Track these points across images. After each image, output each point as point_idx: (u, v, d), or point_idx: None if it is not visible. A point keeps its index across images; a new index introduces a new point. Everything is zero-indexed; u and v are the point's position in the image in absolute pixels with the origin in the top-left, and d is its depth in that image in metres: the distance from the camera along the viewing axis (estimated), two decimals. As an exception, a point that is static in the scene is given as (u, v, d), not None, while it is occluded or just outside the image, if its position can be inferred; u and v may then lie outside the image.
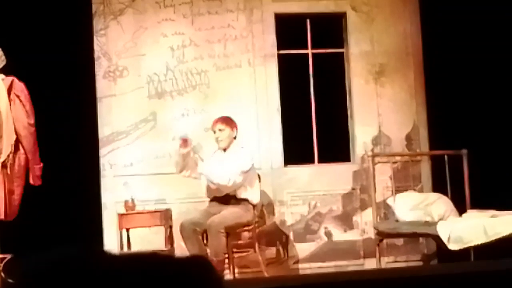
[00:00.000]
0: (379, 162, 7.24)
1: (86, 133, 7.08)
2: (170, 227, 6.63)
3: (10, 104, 6.03)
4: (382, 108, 7.66)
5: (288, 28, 7.66)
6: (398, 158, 7.55)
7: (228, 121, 6.60)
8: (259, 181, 6.77)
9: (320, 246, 7.49)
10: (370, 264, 7.23)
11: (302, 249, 7.45)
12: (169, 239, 6.58)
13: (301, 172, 7.56)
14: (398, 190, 7.09)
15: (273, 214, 7.39)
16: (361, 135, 7.63)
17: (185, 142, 6.42)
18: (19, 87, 6.07)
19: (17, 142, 6.06)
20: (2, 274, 5.85)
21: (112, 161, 7.27)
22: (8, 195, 5.98)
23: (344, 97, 7.77)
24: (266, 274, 6.65)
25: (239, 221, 6.44)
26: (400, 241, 7.46)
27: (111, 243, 6.77)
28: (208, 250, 6.26)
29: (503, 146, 7.20)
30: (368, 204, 7.35)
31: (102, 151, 7.26)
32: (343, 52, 7.80)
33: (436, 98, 7.56)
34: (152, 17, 7.43)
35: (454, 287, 3.29)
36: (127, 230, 6.63)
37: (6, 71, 6.09)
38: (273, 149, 7.47)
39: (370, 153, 7.21)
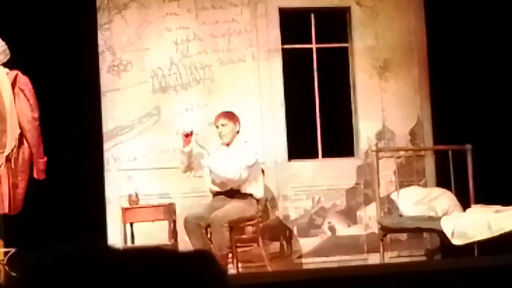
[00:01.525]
0: (383, 157, 7.24)
1: (90, 127, 7.08)
2: (174, 221, 6.64)
3: (14, 98, 6.04)
4: (386, 103, 7.65)
5: (292, 23, 7.66)
6: (402, 153, 7.55)
7: (230, 116, 6.60)
8: (263, 175, 6.77)
9: (324, 240, 7.50)
10: (374, 259, 7.23)
11: (306, 243, 7.46)
12: (173, 233, 6.59)
13: (305, 166, 7.56)
14: (402, 185, 7.08)
15: (277, 208, 7.40)
16: (365, 130, 7.63)
17: (187, 136, 6.42)
18: (23, 81, 6.07)
19: (21, 136, 6.06)
20: (6, 268, 5.87)
21: (116, 155, 7.28)
22: (12, 189, 5.98)
23: (348, 92, 7.77)
24: (269, 269, 6.65)
25: (243, 215, 6.44)
26: (403, 236, 7.47)
27: (114, 237, 6.78)
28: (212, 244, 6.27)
29: (508, 141, 7.19)
30: (372, 199, 7.35)
31: (106, 146, 7.27)
32: (347, 47, 7.80)
33: (440, 93, 7.56)
34: (156, 11, 7.43)
35: (457, 282, 3.28)
36: (131, 224, 6.64)
37: (10, 65, 6.09)
38: (277, 144, 7.47)
39: (374, 148, 7.21)
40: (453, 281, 3.31)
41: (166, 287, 0.95)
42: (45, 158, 6.14)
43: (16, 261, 5.72)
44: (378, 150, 7.16)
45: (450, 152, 7.04)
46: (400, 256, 7.48)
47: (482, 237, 6.16)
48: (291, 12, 7.65)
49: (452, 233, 6.24)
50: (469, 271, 3.44)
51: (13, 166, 6.00)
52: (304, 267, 7.35)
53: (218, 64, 7.48)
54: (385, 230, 6.83)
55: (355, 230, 7.54)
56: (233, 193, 6.50)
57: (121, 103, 7.31)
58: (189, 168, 6.57)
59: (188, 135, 6.44)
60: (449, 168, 7.00)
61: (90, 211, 6.85)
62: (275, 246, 7.38)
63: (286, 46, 7.64)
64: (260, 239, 6.65)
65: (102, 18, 7.37)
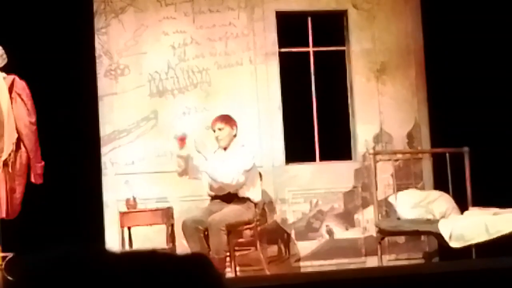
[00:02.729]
0: (380, 160, 7.24)
1: (87, 132, 7.08)
2: (172, 225, 6.64)
3: (11, 103, 6.04)
4: (384, 106, 7.66)
5: (290, 26, 7.66)
6: (399, 156, 7.55)
7: (227, 120, 6.59)
8: (261, 179, 6.77)
9: (322, 244, 7.50)
10: (372, 262, 7.23)
11: (304, 247, 7.45)
12: (171, 237, 6.58)
13: (302, 170, 7.55)
14: (399, 188, 7.09)
15: (275, 212, 7.40)
16: (363, 133, 7.63)
17: (182, 140, 6.41)
18: (21, 85, 6.07)
19: (19, 140, 6.06)
20: (4, 273, 5.86)
21: (114, 160, 7.27)
22: (10, 194, 5.98)
23: (345, 95, 7.77)
24: (267, 272, 6.65)
25: (240, 219, 6.43)
26: (401, 239, 7.46)
27: (112, 241, 6.77)
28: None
29: (505, 144, 7.20)
30: (370, 202, 7.35)
31: (104, 150, 7.27)
32: (344, 50, 7.80)
33: (438, 96, 7.56)
34: (153, 15, 7.43)
35: (455, 285, 3.29)
36: (129, 228, 6.63)
37: (7, 69, 6.09)
38: (274, 147, 7.47)
39: (371, 151, 7.21)
40: (451, 283, 3.31)
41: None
42: (43, 163, 6.14)
43: (14, 266, 5.71)
44: (375, 153, 7.16)
45: (447, 154, 7.05)
46: (398, 259, 7.47)
47: (480, 240, 6.16)
48: (288, 15, 7.66)
49: (450, 236, 6.24)
50: (467, 273, 3.44)
51: (10, 170, 6.00)
52: (302, 270, 7.35)
53: (215, 67, 7.48)
54: (383, 233, 6.83)
55: (353, 233, 7.54)
56: (231, 197, 6.50)
57: (119, 107, 7.31)
58: (185, 171, 6.56)
59: (182, 139, 6.42)
60: (447, 171, 7.01)
61: (88, 215, 6.84)
62: (273, 249, 7.37)
63: (283, 50, 7.64)
64: (258, 243, 6.65)
65: (99, 22, 7.37)
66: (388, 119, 7.64)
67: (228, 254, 6.42)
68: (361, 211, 7.55)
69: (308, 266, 7.37)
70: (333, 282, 3.54)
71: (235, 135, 6.60)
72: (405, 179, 7.40)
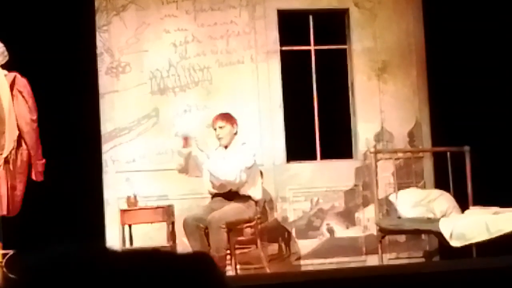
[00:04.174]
0: (381, 159, 7.24)
1: (88, 129, 7.08)
2: (172, 223, 6.64)
3: (12, 100, 6.03)
4: (385, 104, 7.65)
5: (291, 25, 7.66)
6: (400, 154, 7.55)
7: (228, 118, 6.59)
8: (262, 177, 6.77)
9: (322, 242, 7.50)
10: (372, 260, 7.23)
11: (304, 245, 7.45)
12: (171, 235, 6.58)
13: (303, 168, 7.56)
14: (400, 186, 7.09)
15: (275, 210, 7.40)
16: (364, 132, 7.63)
17: (186, 140, 6.43)
18: (22, 82, 6.07)
19: (20, 138, 6.06)
20: (4, 270, 5.86)
21: (115, 157, 7.27)
22: (11, 191, 5.98)
23: (346, 94, 7.77)
24: (268, 270, 6.65)
25: (240, 217, 6.44)
26: (402, 238, 7.46)
27: (113, 239, 6.77)
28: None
29: (506, 143, 7.19)
30: (371, 200, 7.35)
31: (105, 147, 7.27)
32: (345, 49, 7.80)
33: (439, 95, 7.56)
34: (154, 13, 7.43)
35: (456, 284, 3.29)
36: (129, 226, 6.63)
37: (8, 66, 6.09)
38: (275, 146, 7.47)
39: (372, 150, 7.21)
40: (452, 282, 3.31)
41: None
42: (44, 160, 6.14)
43: (14, 263, 5.71)
44: (376, 152, 7.16)
45: (448, 153, 7.04)
46: (398, 258, 7.47)
47: (480, 239, 6.16)
48: (289, 13, 7.65)
49: (451, 235, 6.24)
50: (468, 272, 3.44)
51: (11, 168, 6.00)
52: (303, 269, 7.35)
53: (216, 66, 7.48)
54: (383, 231, 6.83)
55: (353, 232, 7.54)
56: (232, 195, 6.50)
57: (120, 105, 7.31)
58: (185, 169, 6.57)
59: (187, 139, 6.44)
60: (448, 170, 7.00)
61: (89, 213, 6.84)
62: (273, 248, 7.37)
63: (284, 48, 7.64)
64: (258, 241, 6.65)
65: (100, 20, 7.37)
66: (389, 117, 7.64)
67: (228, 252, 6.43)
68: (361, 210, 7.55)
69: (309, 265, 7.37)
70: (333, 280, 3.54)
71: (235, 133, 6.60)
72: (406, 177, 7.40)
